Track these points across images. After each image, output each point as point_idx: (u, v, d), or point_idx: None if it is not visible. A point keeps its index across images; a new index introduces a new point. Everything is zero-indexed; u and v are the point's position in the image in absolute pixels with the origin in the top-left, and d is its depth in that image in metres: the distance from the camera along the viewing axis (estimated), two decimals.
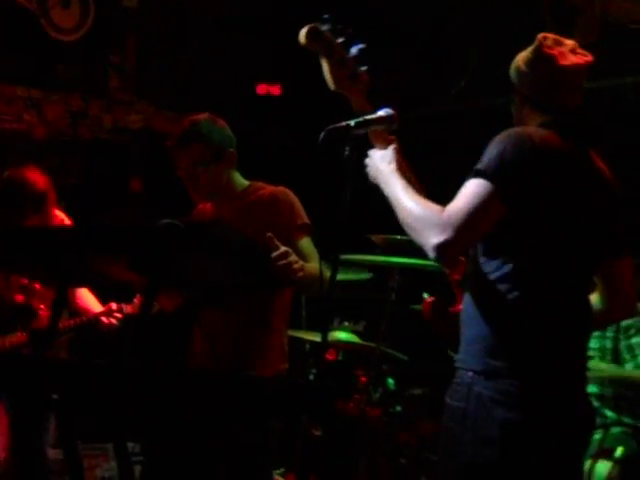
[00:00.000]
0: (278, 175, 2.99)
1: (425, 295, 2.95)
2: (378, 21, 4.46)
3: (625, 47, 3.76)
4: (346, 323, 3.81)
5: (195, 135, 2.86)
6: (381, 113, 2.28)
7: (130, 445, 3.51)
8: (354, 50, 2.36)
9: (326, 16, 2.39)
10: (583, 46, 2.52)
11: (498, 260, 2.25)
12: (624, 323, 3.44)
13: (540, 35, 2.35)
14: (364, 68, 2.36)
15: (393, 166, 2.33)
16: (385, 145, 2.34)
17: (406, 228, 2.29)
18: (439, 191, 2.35)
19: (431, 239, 2.18)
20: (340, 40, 2.34)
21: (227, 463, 2.83)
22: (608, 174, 2.40)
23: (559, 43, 2.36)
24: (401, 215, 2.29)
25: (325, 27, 2.35)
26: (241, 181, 2.97)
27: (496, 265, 2.26)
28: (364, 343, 3.59)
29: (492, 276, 2.28)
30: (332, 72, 2.35)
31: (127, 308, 3.38)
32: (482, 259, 2.28)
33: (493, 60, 2.56)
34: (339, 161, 2.23)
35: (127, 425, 3.40)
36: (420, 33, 4.57)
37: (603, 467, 3.22)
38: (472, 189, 2.17)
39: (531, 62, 2.36)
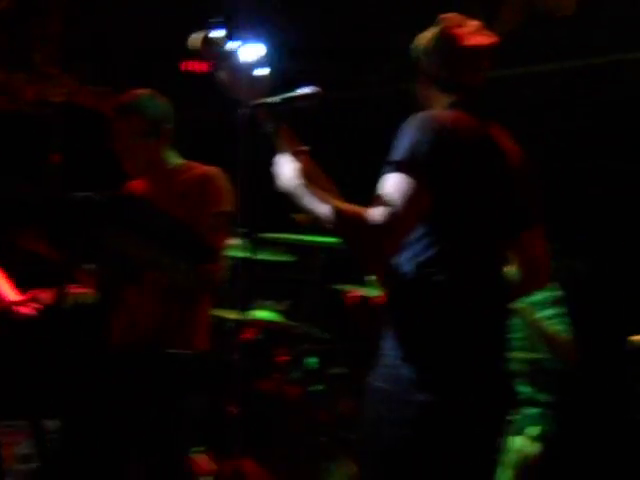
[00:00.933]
0: (203, 153, 3.02)
1: (347, 287, 3.16)
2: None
3: (549, 35, 3.85)
4: (270, 302, 3.81)
5: (135, 107, 2.93)
6: (306, 90, 2.28)
7: (48, 423, 3.54)
8: (249, 53, 2.37)
9: (216, 20, 2.38)
10: (507, 34, 2.66)
11: (418, 245, 2.27)
12: (535, 299, 3.51)
13: (443, 15, 2.40)
14: (265, 69, 2.35)
15: (302, 181, 2.31)
16: (292, 150, 2.33)
17: (343, 239, 2.30)
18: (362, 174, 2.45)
19: (369, 239, 2.19)
20: (235, 46, 2.36)
21: (144, 440, 2.86)
22: (516, 150, 2.45)
23: (462, 23, 2.41)
24: (336, 228, 2.28)
25: (216, 33, 2.35)
26: (175, 159, 3.02)
27: (416, 250, 2.28)
28: (286, 322, 3.64)
29: (413, 262, 2.30)
30: (231, 81, 2.37)
31: (42, 296, 3.30)
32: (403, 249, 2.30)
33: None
34: (264, 137, 2.29)
35: (44, 403, 3.42)
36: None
37: (521, 446, 3.32)
38: (395, 182, 2.18)
39: (435, 42, 2.40)
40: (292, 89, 2.30)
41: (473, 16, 2.50)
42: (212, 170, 2.96)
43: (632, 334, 3.04)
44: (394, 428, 2.20)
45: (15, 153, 4.04)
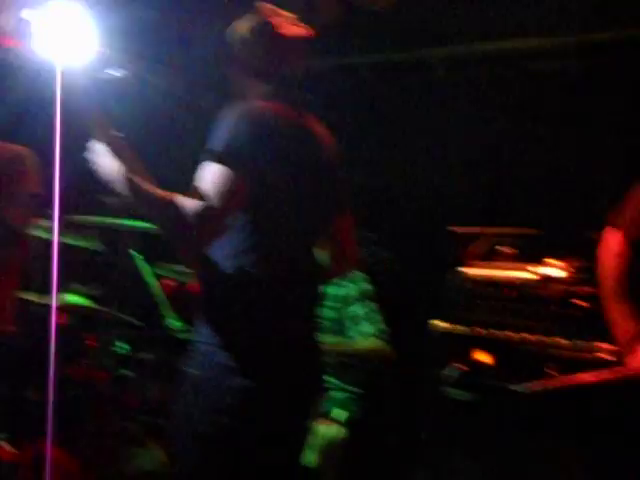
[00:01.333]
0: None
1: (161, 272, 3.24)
2: None
3: (364, 28, 3.98)
4: (80, 287, 3.74)
5: None
6: (116, 73, 2.42)
7: None
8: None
9: None
10: (324, 26, 2.71)
11: (234, 235, 2.31)
12: (342, 293, 3.64)
13: (258, 4, 2.42)
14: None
15: (121, 168, 2.26)
16: (107, 137, 2.29)
17: (163, 229, 2.29)
18: None
19: (187, 230, 2.18)
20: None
21: None
22: (329, 141, 2.53)
23: (277, 13, 2.46)
24: (155, 218, 2.30)
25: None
26: None
27: (233, 240, 2.32)
28: (96, 307, 3.54)
29: (229, 252, 2.33)
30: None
31: None
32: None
33: None
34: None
35: None
36: None
37: (327, 430, 3.38)
38: (213, 174, 2.20)
39: (252, 30, 2.42)
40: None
41: (291, 6, 2.56)
42: (21, 150, 2.88)
43: (434, 319, 3.22)
44: (209, 414, 2.23)
45: None
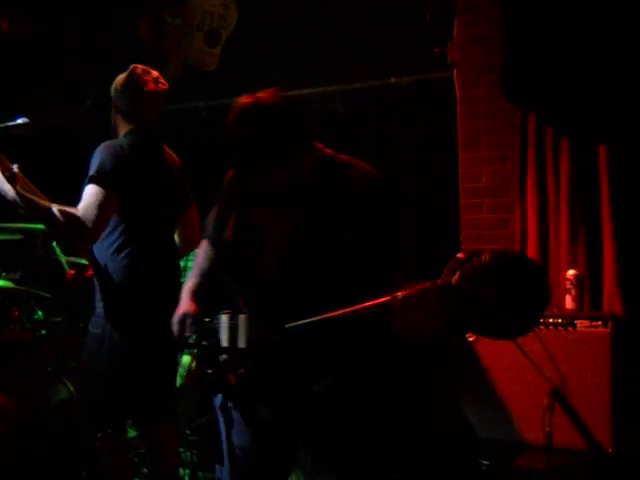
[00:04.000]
0: None
1: (66, 267, 3.61)
2: None
3: (198, 82, 4.63)
4: (4, 273, 4.09)
5: None
6: (19, 121, 2.67)
7: None
8: None
9: None
10: (169, 79, 3.04)
11: (112, 234, 2.83)
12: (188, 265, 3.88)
13: (133, 65, 2.90)
14: None
15: (19, 189, 2.63)
16: (3, 166, 2.60)
17: (60, 233, 2.80)
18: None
19: (78, 235, 2.65)
20: None
21: None
22: (174, 157, 3.04)
23: (147, 72, 2.97)
24: (46, 222, 2.73)
25: None
26: None
27: (111, 238, 2.84)
28: (17, 287, 3.93)
29: (110, 247, 2.85)
30: None
31: None
32: (102, 236, 2.81)
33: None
34: None
35: None
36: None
37: (187, 360, 3.81)
38: (92, 191, 2.67)
39: (125, 84, 2.90)
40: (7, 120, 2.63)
41: (150, 66, 2.94)
42: None
43: None
44: (103, 357, 2.81)
45: None
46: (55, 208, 2.63)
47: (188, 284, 2.24)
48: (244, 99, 2.02)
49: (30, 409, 3.60)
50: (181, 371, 3.52)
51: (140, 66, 2.91)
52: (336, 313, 1.89)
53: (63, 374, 3.80)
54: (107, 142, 2.80)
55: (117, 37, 4.88)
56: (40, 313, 4.07)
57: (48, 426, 3.58)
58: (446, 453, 3.38)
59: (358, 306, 1.85)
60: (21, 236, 4.03)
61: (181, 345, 2.72)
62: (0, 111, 2.70)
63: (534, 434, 2.97)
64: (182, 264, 3.88)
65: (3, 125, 2.58)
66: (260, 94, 2.01)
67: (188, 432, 3.88)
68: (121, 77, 2.91)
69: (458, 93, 3.81)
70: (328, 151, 2.15)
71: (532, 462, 2.95)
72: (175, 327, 2.16)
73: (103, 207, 2.61)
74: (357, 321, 1.89)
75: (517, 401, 3.06)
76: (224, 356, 2.01)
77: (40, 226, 3.73)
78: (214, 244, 2.26)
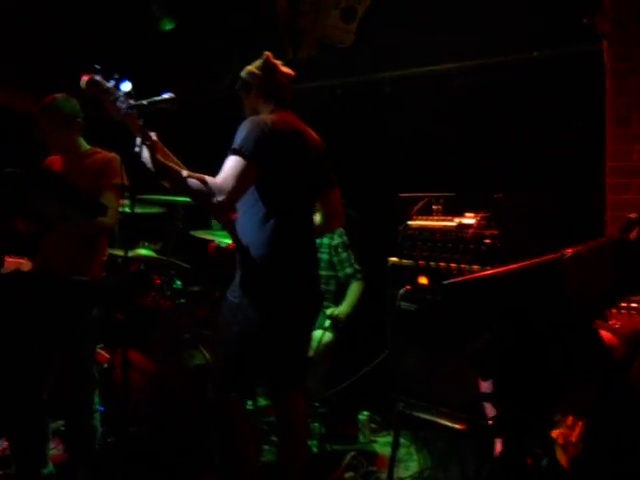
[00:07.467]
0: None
1: (200, 233, 3.66)
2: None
3: (333, 59, 4.63)
4: (147, 243, 4.25)
5: (53, 106, 3.33)
6: (165, 96, 2.76)
7: None
8: (123, 89, 2.76)
9: (98, 66, 2.76)
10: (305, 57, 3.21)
11: (254, 207, 2.87)
12: (334, 243, 4.27)
13: (266, 52, 3.02)
14: (132, 101, 2.73)
15: (160, 157, 2.73)
16: (144, 136, 2.70)
17: (193, 198, 2.82)
18: (211, 159, 2.87)
19: (213, 201, 2.65)
20: (111, 84, 2.75)
21: (65, 340, 3.29)
22: (317, 139, 3.07)
23: (276, 59, 3.04)
24: (187, 191, 2.74)
25: (98, 77, 2.74)
26: (84, 144, 3.45)
27: (254, 210, 2.88)
28: (159, 256, 4.06)
29: (253, 219, 2.89)
30: (110, 108, 2.75)
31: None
32: (243, 208, 2.90)
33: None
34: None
35: None
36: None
37: (319, 334, 4.06)
38: (232, 163, 2.73)
39: (264, 67, 2.99)
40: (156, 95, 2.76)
41: (284, 48, 3.15)
42: (111, 155, 3.40)
43: (390, 257, 3.51)
44: (236, 325, 2.85)
45: None
46: (193, 176, 2.73)
47: None
48: None
49: (167, 372, 3.77)
50: (312, 345, 3.57)
51: (270, 54, 3.04)
52: (501, 270, 1.87)
53: (199, 341, 3.95)
54: (252, 117, 2.88)
55: (254, 17, 4.99)
56: (179, 282, 4.24)
57: (183, 389, 3.71)
58: None
59: (524, 263, 1.81)
60: (163, 209, 4.20)
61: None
62: (150, 88, 2.83)
63: None
64: (317, 241, 4.07)
65: (150, 99, 2.68)
66: None
67: (317, 404, 3.96)
68: (257, 63, 3.02)
69: (608, 66, 3.64)
70: None
71: None
72: None
73: (241, 177, 2.67)
74: (525, 278, 1.86)
75: None
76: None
77: (181, 199, 3.86)
78: None
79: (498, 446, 2.40)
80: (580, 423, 2.04)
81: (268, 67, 2.99)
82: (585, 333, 1.88)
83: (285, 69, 3.04)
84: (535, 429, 2.01)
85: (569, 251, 1.75)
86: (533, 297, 1.94)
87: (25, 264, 3.58)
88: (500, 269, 1.90)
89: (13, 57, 4.99)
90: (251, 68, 3.03)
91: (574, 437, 2.05)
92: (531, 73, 3.99)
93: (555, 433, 2.08)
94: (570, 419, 2.07)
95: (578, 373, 1.95)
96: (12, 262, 3.56)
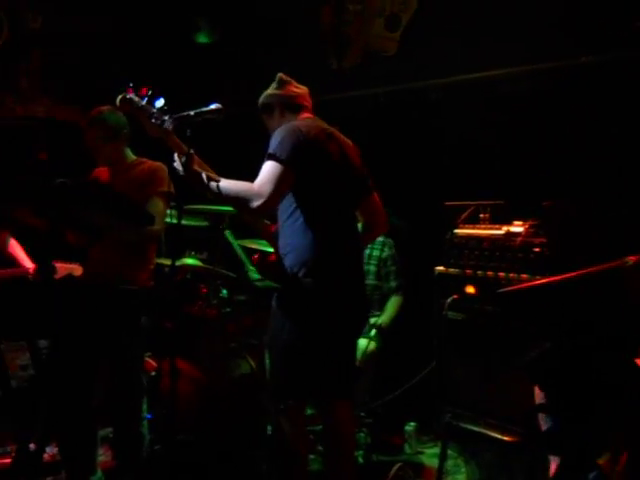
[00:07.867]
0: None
1: (247, 243, 3.71)
2: None
3: (377, 67, 4.64)
4: (193, 252, 4.23)
5: (100, 119, 3.42)
6: (212, 106, 2.81)
7: (41, 342, 4.07)
8: (157, 105, 2.83)
9: (131, 84, 2.82)
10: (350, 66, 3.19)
11: (294, 215, 2.89)
12: (383, 255, 4.31)
13: (279, 74, 3.07)
14: (167, 117, 2.79)
15: (198, 169, 2.80)
16: (180, 150, 2.79)
17: (233, 205, 2.89)
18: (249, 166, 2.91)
19: (252, 205, 2.68)
20: (144, 101, 2.82)
21: (112, 349, 3.34)
22: (350, 143, 3.06)
23: (288, 79, 3.09)
24: (226, 198, 2.79)
25: (131, 95, 2.81)
26: (131, 155, 3.54)
27: (293, 219, 2.90)
28: (205, 266, 4.07)
29: (292, 226, 2.87)
30: (146, 125, 2.82)
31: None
32: (283, 217, 2.92)
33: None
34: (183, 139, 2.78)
35: (37, 327, 3.98)
36: None
37: (364, 343, 4.06)
38: (269, 168, 2.75)
39: (281, 81, 3.05)
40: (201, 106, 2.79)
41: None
42: (157, 164, 3.47)
43: (436, 266, 3.52)
44: (285, 334, 2.85)
45: (11, 153, 4.48)
46: (231, 183, 2.77)
47: None
48: None
49: (214, 380, 3.79)
50: (358, 354, 3.54)
51: (282, 74, 3.10)
52: (559, 278, 1.87)
53: (245, 350, 3.99)
54: (287, 124, 2.90)
55: (299, 26, 5.03)
56: (225, 292, 4.23)
57: (229, 398, 3.74)
58: None
59: (585, 270, 1.81)
60: (207, 223, 4.18)
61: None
62: (197, 99, 2.89)
63: None
64: (367, 252, 4.25)
65: (198, 110, 2.72)
66: None
67: (363, 414, 3.94)
68: (273, 84, 3.08)
69: None
70: None
71: None
72: None
73: (278, 181, 2.68)
74: (585, 286, 1.87)
75: None
76: None
77: (225, 208, 3.86)
78: None
79: (553, 466, 2.35)
80: (626, 453, 1.98)
81: (283, 83, 3.05)
82: None
83: (298, 85, 3.11)
84: (593, 446, 1.97)
85: (632, 258, 1.75)
86: (594, 305, 1.93)
87: (77, 269, 3.65)
88: (557, 277, 1.90)
89: (62, 73, 5.15)
90: (268, 91, 3.07)
91: (620, 467, 2.00)
92: (579, 79, 3.96)
93: (600, 461, 2.02)
94: (615, 447, 2.02)
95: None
96: (64, 267, 3.61)
